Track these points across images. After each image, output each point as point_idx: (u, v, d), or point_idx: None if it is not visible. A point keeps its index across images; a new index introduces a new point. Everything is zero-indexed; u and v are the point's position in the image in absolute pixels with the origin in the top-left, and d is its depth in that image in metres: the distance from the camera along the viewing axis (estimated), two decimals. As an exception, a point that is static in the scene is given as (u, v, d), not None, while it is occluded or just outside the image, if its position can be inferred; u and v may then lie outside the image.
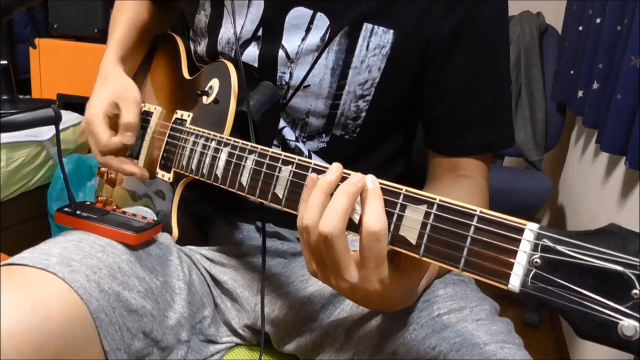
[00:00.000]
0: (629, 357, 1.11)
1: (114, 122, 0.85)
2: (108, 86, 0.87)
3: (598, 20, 1.79)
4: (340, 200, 0.52)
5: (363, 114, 0.78)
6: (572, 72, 2.11)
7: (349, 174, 0.54)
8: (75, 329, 0.60)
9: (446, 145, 0.80)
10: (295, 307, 0.78)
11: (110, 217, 0.73)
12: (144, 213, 0.85)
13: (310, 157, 0.81)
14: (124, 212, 0.76)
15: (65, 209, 0.74)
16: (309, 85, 0.77)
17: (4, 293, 0.58)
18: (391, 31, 0.73)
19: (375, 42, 0.74)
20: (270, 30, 0.78)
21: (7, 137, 1.72)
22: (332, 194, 0.54)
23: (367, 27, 0.74)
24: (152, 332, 0.69)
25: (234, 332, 0.83)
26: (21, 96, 2.03)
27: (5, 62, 1.87)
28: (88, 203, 0.78)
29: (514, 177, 2.25)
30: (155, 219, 0.85)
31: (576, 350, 1.77)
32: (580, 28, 2.07)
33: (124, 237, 0.70)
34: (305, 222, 0.54)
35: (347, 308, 0.73)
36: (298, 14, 0.76)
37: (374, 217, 0.51)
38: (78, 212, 0.73)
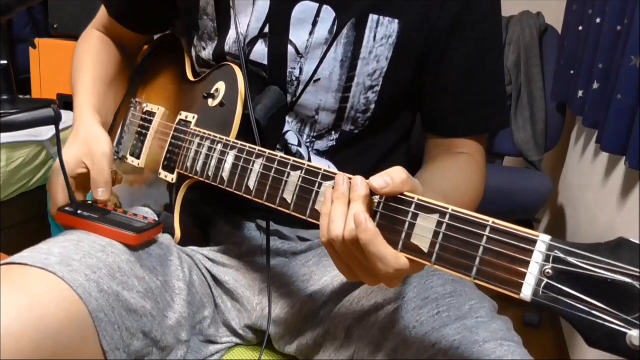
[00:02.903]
0: None
1: (84, 177, 0.81)
2: (78, 142, 0.82)
3: (598, 20, 1.79)
4: (359, 207, 0.54)
5: (372, 106, 0.80)
6: (572, 72, 2.11)
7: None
8: (74, 327, 0.61)
9: (445, 126, 0.83)
10: (296, 306, 0.79)
11: (111, 217, 0.73)
12: (145, 213, 0.85)
13: (310, 161, 0.82)
14: (125, 212, 0.76)
15: (67, 209, 0.74)
16: (319, 80, 0.78)
17: (3, 292, 0.58)
18: (396, 21, 0.76)
19: (382, 33, 0.76)
20: (277, 26, 0.78)
21: (7, 137, 1.71)
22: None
23: (373, 18, 0.76)
24: (152, 332, 0.69)
25: (234, 333, 0.84)
26: (21, 96, 2.02)
27: (5, 62, 1.86)
28: (90, 202, 0.78)
29: (514, 177, 2.26)
30: (157, 219, 0.85)
31: (576, 350, 1.78)
32: (580, 28, 2.07)
33: (125, 237, 0.70)
34: (335, 233, 0.55)
35: (346, 304, 0.74)
36: (304, 9, 0.77)
37: (379, 262, 0.53)
38: (79, 211, 0.73)
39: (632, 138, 1.28)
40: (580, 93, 1.90)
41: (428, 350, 0.61)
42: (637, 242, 0.40)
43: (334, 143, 0.82)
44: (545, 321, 2.16)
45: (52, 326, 0.58)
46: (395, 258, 0.53)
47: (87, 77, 0.91)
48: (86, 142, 0.81)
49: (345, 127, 0.81)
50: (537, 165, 2.34)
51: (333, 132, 0.82)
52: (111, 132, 1.02)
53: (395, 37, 0.76)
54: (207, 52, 0.86)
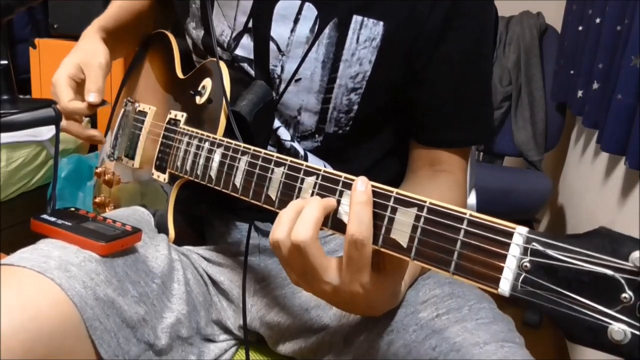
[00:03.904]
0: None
1: (80, 87, 0.85)
2: (78, 51, 0.87)
3: (598, 20, 1.78)
4: (311, 209, 0.54)
5: (355, 107, 0.78)
6: (572, 72, 2.11)
7: (351, 179, 0.55)
8: (68, 329, 0.60)
9: (429, 137, 0.81)
10: (292, 311, 0.78)
11: (85, 225, 0.72)
12: (140, 214, 0.85)
13: (306, 156, 0.81)
14: (105, 219, 0.74)
15: (43, 216, 0.73)
16: (300, 79, 0.77)
17: None
18: (381, 23, 0.73)
19: (366, 35, 0.74)
20: (259, 21, 0.78)
21: (7, 137, 1.72)
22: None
23: (356, 19, 0.74)
24: (144, 336, 0.69)
25: (230, 332, 0.83)
26: (21, 96, 2.03)
27: (5, 62, 1.87)
28: (72, 209, 0.77)
29: (514, 177, 2.26)
30: (151, 220, 0.85)
31: (576, 350, 1.77)
32: (580, 28, 2.06)
33: (93, 246, 0.68)
34: (276, 236, 0.55)
35: (343, 317, 0.73)
36: (286, 5, 0.76)
37: (357, 224, 0.51)
38: (54, 219, 0.72)
39: (632, 138, 1.28)
40: (580, 93, 1.90)
41: (429, 354, 0.61)
42: (618, 231, 0.39)
43: (319, 144, 0.81)
44: (545, 321, 2.15)
45: (46, 327, 0.58)
46: (329, 268, 0.55)
47: (110, 7, 0.97)
48: (85, 53, 0.86)
49: (328, 129, 0.80)
50: (537, 165, 2.34)
51: (316, 135, 0.81)
52: (107, 132, 1.02)
53: (380, 39, 0.74)
54: (198, 42, 0.85)
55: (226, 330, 0.83)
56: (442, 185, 0.79)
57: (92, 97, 0.82)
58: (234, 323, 0.82)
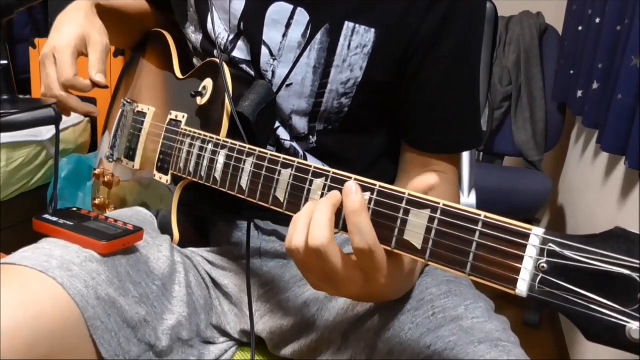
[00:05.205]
0: (631, 357, 1.11)
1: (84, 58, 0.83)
2: (81, 20, 0.83)
3: (598, 20, 1.79)
4: (321, 211, 0.54)
5: (346, 109, 0.79)
6: (572, 72, 2.11)
7: (361, 180, 0.55)
8: (69, 327, 0.60)
9: (418, 140, 0.81)
10: (293, 313, 0.78)
11: (87, 225, 0.71)
12: (143, 215, 0.84)
13: (305, 157, 0.81)
14: (107, 219, 0.74)
15: (44, 216, 0.73)
16: (291, 84, 0.77)
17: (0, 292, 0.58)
18: (373, 30, 0.74)
19: (357, 41, 0.74)
20: (250, 25, 0.78)
21: (7, 137, 1.72)
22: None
23: (348, 25, 0.74)
24: (145, 337, 0.69)
25: (230, 336, 0.83)
26: (21, 96, 2.02)
27: (5, 62, 1.86)
28: (74, 209, 0.77)
29: (514, 177, 2.26)
30: (154, 221, 0.84)
31: (576, 350, 1.77)
32: (580, 28, 2.07)
33: (95, 245, 0.68)
34: (295, 243, 0.54)
35: (341, 312, 0.73)
36: (278, 9, 0.76)
37: (358, 235, 0.51)
38: (55, 219, 0.72)
39: (632, 138, 1.28)
40: (580, 93, 1.90)
41: (423, 352, 0.61)
42: (634, 231, 0.39)
43: (314, 145, 0.82)
44: (545, 321, 2.16)
45: (47, 325, 0.58)
46: (351, 268, 0.54)
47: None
48: (88, 27, 0.82)
49: (319, 127, 0.80)
50: (537, 165, 2.34)
51: (310, 137, 0.81)
52: (104, 132, 1.02)
53: (371, 46, 0.74)
54: (198, 45, 0.85)
55: (225, 334, 0.83)
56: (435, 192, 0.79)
57: (99, 77, 0.80)
58: (234, 327, 0.82)
